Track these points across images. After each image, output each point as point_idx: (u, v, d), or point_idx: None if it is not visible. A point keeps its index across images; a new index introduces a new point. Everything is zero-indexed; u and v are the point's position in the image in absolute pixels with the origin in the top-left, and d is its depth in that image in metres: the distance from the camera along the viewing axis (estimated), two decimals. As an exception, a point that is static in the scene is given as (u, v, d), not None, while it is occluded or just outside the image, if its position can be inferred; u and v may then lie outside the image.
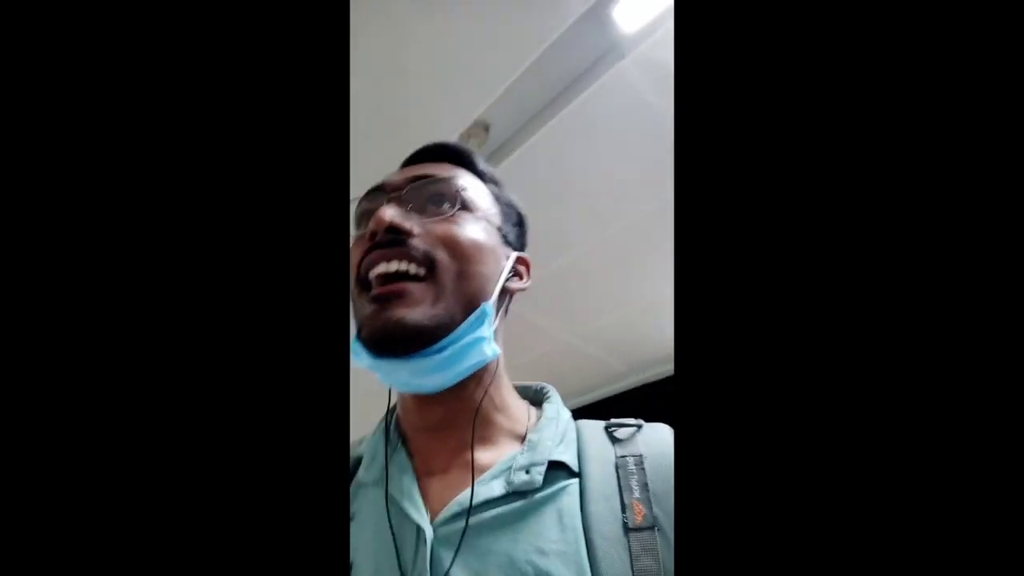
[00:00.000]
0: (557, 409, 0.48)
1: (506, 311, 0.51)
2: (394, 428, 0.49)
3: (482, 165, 0.53)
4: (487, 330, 0.44)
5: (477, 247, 0.45)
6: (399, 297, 0.41)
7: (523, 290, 0.51)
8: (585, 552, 0.37)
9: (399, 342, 0.41)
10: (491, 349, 0.45)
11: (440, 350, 0.42)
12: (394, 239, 0.43)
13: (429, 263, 0.43)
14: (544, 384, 0.52)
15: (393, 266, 0.42)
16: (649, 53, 1.31)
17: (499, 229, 0.49)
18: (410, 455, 0.46)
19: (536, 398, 0.52)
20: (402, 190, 0.46)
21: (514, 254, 0.50)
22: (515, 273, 0.51)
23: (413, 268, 0.42)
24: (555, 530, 0.38)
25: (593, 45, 1.35)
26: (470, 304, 0.44)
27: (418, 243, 0.43)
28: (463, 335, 0.43)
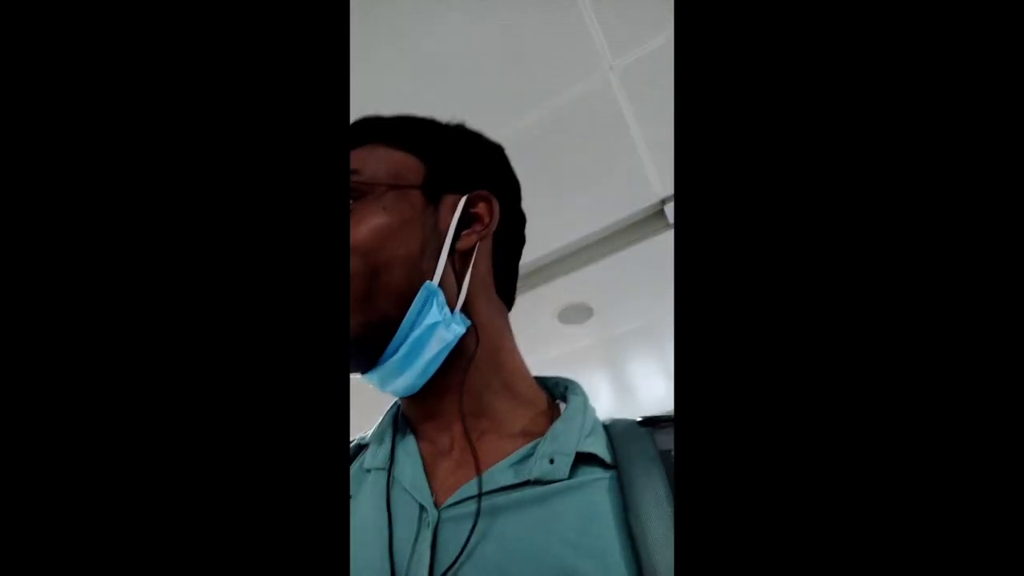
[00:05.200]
0: (584, 402, 0.44)
1: (475, 267, 0.44)
2: (402, 416, 0.47)
3: (387, 120, 0.47)
4: (437, 313, 0.40)
5: (377, 233, 0.40)
6: None
7: (484, 237, 0.44)
8: (629, 551, 0.33)
9: (353, 363, 0.40)
10: (451, 331, 0.41)
11: (393, 352, 0.40)
12: None
13: None
14: (569, 379, 0.48)
15: None
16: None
17: (419, 187, 0.43)
18: (418, 441, 0.44)
19: (559, 392, 0.47)
20: None
21: (460, 200, 0.44)
22: (471, 220, 0.45)
23: None
24: (586, 523, 0.34)
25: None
26: (405, 293, 0.40)
27: None
28: (410, 328, 0.40)
